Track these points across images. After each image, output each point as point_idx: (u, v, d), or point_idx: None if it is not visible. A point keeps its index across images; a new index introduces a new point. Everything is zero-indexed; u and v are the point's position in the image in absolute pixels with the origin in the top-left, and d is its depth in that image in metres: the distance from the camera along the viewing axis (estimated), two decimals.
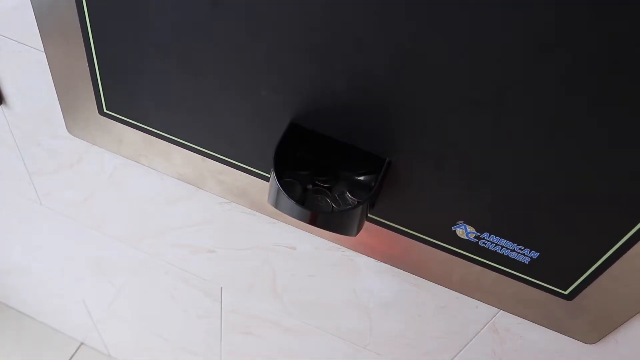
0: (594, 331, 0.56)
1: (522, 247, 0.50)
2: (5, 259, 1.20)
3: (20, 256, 1.14)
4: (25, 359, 1.41)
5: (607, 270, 0.48)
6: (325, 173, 0.50)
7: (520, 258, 0.51)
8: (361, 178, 0.50)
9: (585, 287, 0.51)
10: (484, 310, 0.61)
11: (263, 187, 0.57)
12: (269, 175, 0.55)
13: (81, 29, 0.52)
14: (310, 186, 0.50)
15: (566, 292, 0.52)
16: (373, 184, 0.48)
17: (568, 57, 0.35)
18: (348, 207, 0.47)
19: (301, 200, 0.47)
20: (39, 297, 1.30)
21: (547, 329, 0.58)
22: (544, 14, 0.34)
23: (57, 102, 0.64)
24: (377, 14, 0.38)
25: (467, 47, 0.38)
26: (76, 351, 1.43)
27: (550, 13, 0.34)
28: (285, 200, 0.46)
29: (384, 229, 0.55)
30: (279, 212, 0.58)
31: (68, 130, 0.66)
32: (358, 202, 0.47)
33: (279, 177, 0.47)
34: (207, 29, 0.46)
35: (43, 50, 0.59)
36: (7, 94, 0.68)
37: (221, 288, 0.83)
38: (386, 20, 0.39)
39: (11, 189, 0.89)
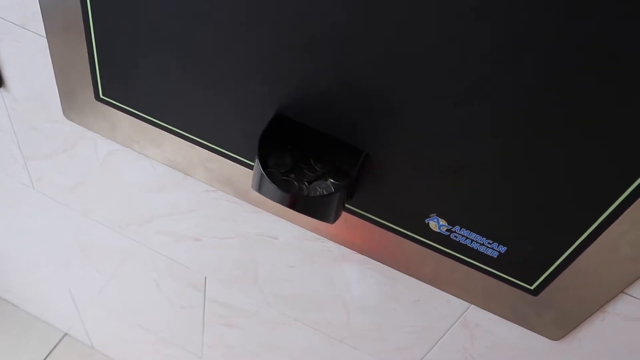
0: (559, 327, 0.58)
1: (491, 241, 0.53)
2: None
3: (7, 241, 1.15)
4: (7, 348, 1.41)
5: (570, 266, 0.51)
6: (307, 162, 0.53)
7: (489, 252, 0.54)
8: (341, 168, 0.53)
9: (550, 282, 0.53)
10: (455, 305, 0.64)
11: (248, 176, 0.60)
12: (253, 164, 0.58)
13: (83, 16, 0.55)
14: (292, 174, 0.52)
15: (532, 287, 0.55)
16: (351, 174, 0.51)
17: (533, 60, 0.39)
18: (326, 193, 0.50)
19: (282, 185, 0.50)
20: (25, 284, 1.31)
21: (515, 324, 0.61)
22: (512, 18, 0.37)
23: (56, 87, 0.67)
24: (361, 13, 0.41)
25: (441, 48, 0.41)
26: (59, 341, 1.44)
27: (519, 16, 0.37)
28: (268, 184, 0.49)
29: (361, 220, 0.57)
30: (262, 200, 0.61)
31: (64, 115, 0.69)
32: (335, 189, 0.50)
33: (263, 164, 0.50)
34: (202, 20, 0.48)
35: (45, 36, 0.61)
36: (7, 77, 0.71)
37: (205, 278, 0.85)
38: (369, 20, 0.41)
39: (5, 172, 0.91)
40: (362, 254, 0.63)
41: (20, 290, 1.36)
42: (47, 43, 0.61)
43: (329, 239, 0.64)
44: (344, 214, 0.58)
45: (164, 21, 0.50)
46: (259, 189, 0.50)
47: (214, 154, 0.60)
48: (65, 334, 1.45)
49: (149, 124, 0.61)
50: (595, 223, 0.46)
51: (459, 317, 0.65)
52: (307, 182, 0.52)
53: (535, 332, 0.60)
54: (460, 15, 0.39)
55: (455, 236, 0.54)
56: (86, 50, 0.58)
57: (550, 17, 0.36)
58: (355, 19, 0.42)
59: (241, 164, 0.59)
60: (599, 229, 0.47)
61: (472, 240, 0.53)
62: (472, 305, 0.63)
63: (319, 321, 0.79)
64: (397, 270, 0.62)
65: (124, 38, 0.54)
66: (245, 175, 0.61)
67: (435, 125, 0.46)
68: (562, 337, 0.59)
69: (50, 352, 1.42)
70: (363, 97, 0.47)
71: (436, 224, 0.53)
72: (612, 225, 0.46)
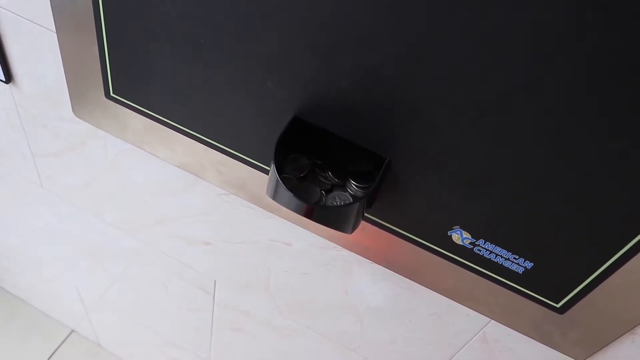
0: (582, 348, 0.56)
1: (517, 257, 0.50)
2: (1, 241, 1.20)
3: (17, 238, 1.15)
4: (15, 343, 1.41)
5: (600, 286, 0.48)
6: (326, 168, 0.50)
7: (514, 267, 0.51)
8: (360, 176, 0.50)
9: (577, 301, 0.50)
10: (474, 319, 0.61)
11: (262, 180, 0.58)
12: (268, 168, 0.55)
13: (94, 13, 0.53)
14: (309, 180, 0.50)
15: (558, 305, 0.52)
16: (372, 182, 0.49)
17: (570, 65, 0.36)
18: (345, 202, 0.47)
19: (299, 194, 0.47)
20: (33, 281, 1.31)
21: (536, 342, 0.58)
22: (548, 19, 0.34)
23: (65, 84, 0.65)
24: (384, 15, 0.39)
25: (472, 53, 0.38)
26: (66, 338, 1.43)
27: (552, 17, 0.34)
28: (284, 192, 0.46)
29: (379, 229, 0.55)
30: (277, 206, 0.58)
31: (74, 113, 0.67)
32: (355, 198, 0.47)
33: (279, 170, 0.48)
34: (217, 19, 0.46)
35: (55, 31, 0.59)
36: (16, 73, 0.69)
37: (215, 282, 0.83)
38: (393, 22, 0.39)
39: (13, 169, 0.90)
40: (379, 264, 0.60)
41: (29, 286, 1.36)
42: (57, 39, 0.59)
43: (345, 247, 0.61)
44: (362, 223, 0.55)
45: (178, 18, 0.48)
46: (274, 196, 0.48)
47: (227, 156, 0.58)
48: (73, 331, 1.44)
49: (161, 124, 0.59)
50: (632, 241, 0.43)
51: (478, 332, 0.62)
52: (325, 190, 0.49)
53: (558, 351, 0.57)
54: (489, 23, 0.36)
55: (479, 250, 0.51)
56: (97, 46, 0.56)
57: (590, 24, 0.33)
58: (380, 20, 0.39)
59: (255, 168, 0.57)
60: (635, 247, 0.44)
61: (496, 255, 0.51)
62: (493, 321, 0.60)
63: (330, 330, 0.77)
64: (416, 282, 0.59)
65: (136, 34, 0.52)
66: (259, 180, 0.58)
67: (462, 133, 0.43)
68: (587, 358, 0.56)
69: (57, 348, 1.41)
70: (386, 101, 0.44)
71: (459, 236, 0.51)
72: None
